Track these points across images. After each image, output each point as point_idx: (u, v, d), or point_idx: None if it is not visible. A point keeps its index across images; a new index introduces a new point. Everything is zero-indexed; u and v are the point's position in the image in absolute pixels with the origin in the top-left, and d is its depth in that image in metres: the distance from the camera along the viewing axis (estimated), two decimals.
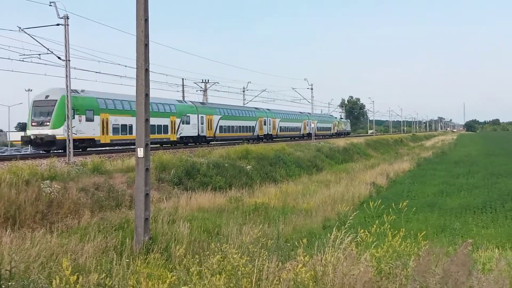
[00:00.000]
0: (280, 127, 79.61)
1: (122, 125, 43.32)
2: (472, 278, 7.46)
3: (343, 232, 9.74)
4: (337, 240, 9.52)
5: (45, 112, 37.70)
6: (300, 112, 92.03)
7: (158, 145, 48.69)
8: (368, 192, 30.25)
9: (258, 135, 70.62)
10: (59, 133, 36.74)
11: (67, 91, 30.10)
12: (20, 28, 30.27)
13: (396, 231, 10.02)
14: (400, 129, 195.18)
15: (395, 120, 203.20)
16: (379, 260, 8.95)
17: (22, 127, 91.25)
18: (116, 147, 44.47)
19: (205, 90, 71.30)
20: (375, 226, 10.42)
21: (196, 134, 55.28)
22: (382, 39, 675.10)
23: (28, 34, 30.38)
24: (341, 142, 69.54)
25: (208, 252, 10.31)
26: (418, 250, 9.39)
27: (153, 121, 45.97)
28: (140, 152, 14.66)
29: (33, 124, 37.80)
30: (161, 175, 27.57)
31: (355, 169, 44.33)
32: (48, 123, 37.19)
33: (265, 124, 73.56)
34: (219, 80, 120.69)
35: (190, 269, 9.01)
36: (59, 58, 30.61)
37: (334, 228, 10.21)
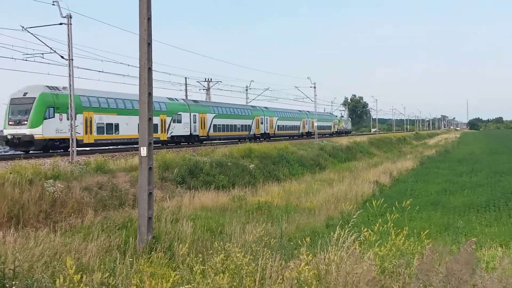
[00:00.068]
0: (278, 125, 78.26)
1: (107, 124, 41.84)
2: (475, 276, 7.46)
3: (346, 231, 9.73)
4: (341, 239, 9.52)
5: (23, 110, 36.17)
6: (299, 111, 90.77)
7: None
8: (371, 191, 30.20)
9: (254, 134, 69.24)
10: (38, 132, 35.47)
11: (70, 90, 30.04)
12: (23, 27, 30.28)
13: (400, 230, 10.02)
14: (403, 127, 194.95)
15: (398, 118, 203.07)
16: (382, 258, 8.96)
17: None
18: (101, 148, 42.16)
19: (208, 89, 71.32)
20: (378, 225, 10.41)
21: (188, 133, 53.87)
22: (384, 39, 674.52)
23: (31, 34, 30.39)
24: (344, 140, 69.46)
25: (211, 251, 10.31)
26: (421, 249, 9.39)
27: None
28: (143, 151, 14.66)
29: (10, 123, 36.31)
30: (164, 174, 27.57)
31: (358, 168, 44.27)
32: (25, 122, 35.68)
33: (262, 122, 72.21)
34: (222, 79, 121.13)
35: (194, 268, 9.02)
36: (62, 57, 30.62)
37: (337, 227, 10.21)
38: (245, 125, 67.23)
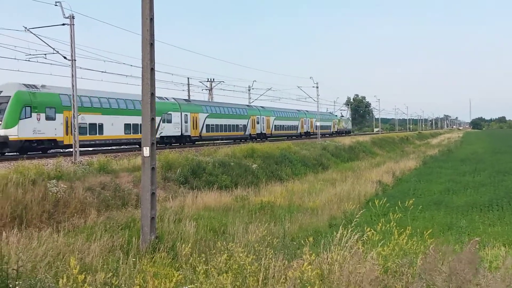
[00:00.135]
0: (275, 125, 76.18)
1: (90, 124, 39.35)
2: (479, 276, 7.45)
3: (349, 231, 9.73)
4: (343, 239, 9.51)
5: None
6: (297, 110, 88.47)
7: (137, 146, 43.48)
8: (374, 191, 30.20)
9: (250, 134, 67.12)
10: (13, 133, 33.40)
11: (73, 91, 30.09)
12: (26, 28, 30.31)
13: (402, 229, 10.02)
14: (406, 127, 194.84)
15: (401, 118, 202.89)
16: (385, 258, 8.95)
17: None
18: (83, 149, 38.00)
19: (210, 89, 71.31)
20: (381, 224, 10.42)
21: (179, 134, 51.66)
22: (386, 39, 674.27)
23: (34, 34, 30.41)
24: (346, 140, 69.41)
25: (214, 251, 10.31)
26: (424, 248, 9.38)
27: (127, 119, 43.08)
28: (146, 151, 14.67)
29: None
30: (167, 174, 27.59)
31: (361, 168, 44.26)
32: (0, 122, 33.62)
33: (258, 122, 70.02)
34: (225, 79, 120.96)
35: (197, 268, 9.02)
36: (64, 57, 30.65)
37: (340, 227, 10.21)
38: (240, 125, 65.18)
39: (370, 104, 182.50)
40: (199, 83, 71.41)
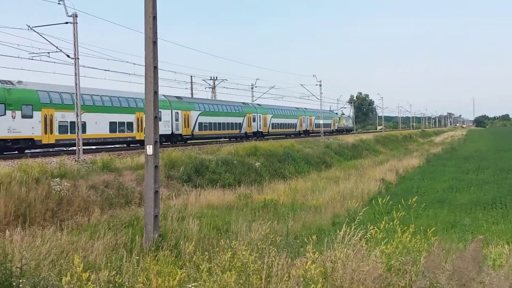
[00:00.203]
0: (272, 123, 73.91)
1: (72, 122, 35.90)
2: (482, 274, 7.44)
3: (352, 229, 9.73)
4: (347, 237, 9.51)
5: None
6: (296, 108, 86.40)
7: (125, 145, 44.05)
8: (377, 189, 30.15)
9: (246, 132, 64.84)
10: None
11: (76, 89, 30.11)
12: (29, 26, 30.34)
13: (406, 227, 10.01)
14: (409, 125, 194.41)
15: (404, 116, 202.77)
16: (388, 256, 8.95)
17: None
18: (64, 148, 37.13)
19: (213, 87, 71.29)
20: (384, 222, 10.40)
21: (170, 132, 49.25)
22: (388, 37, 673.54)
23: (37, 33, 30.44)
24: (350, 138, 69.36)
25: (217, 249, 10.32)
26: (428, 246, 9.37)
27: (112, 117, 41.25)
28: (149, 149, 14.68)
29: None
30: (170, 173, 27.61)
31: (364, 166, 44.20)
32: None
33: (254, 120, 67.78)
34: (228, 77, 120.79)
35: (200, 266, 9.03)
36: (68, 56, 30.67)
37: (343, 225, 10.20)
38: (235, 123, 62.88)
39: (373, 102, 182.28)
40: (202, 81, 71.45)
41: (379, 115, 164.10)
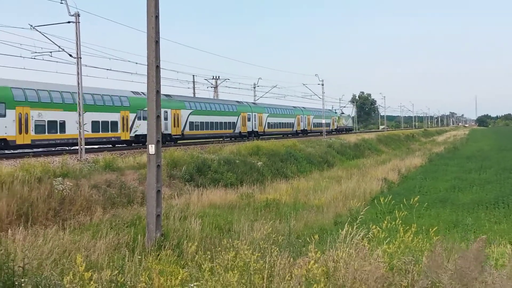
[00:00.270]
0: (268, 123, 71.48)
1: (50, 121, 34.98)
2: (484, 273, 7.43)
3: (354, 228, 9.72)
4: (349, 236, 9.50)
5: None
6: (294, 107, 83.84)
7: (110, 146, 41.65)
8: (380, 188, 30.17)
9: (240, 132, 62.73)
10: None
11: (79, 88, 30.12)
12: (31, 26, 30.38)
13: (408, 227, 10.00)
14: (412, 124, 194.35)
15: (407, 115, 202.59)
16: (391, 255, 8.94)
17: None
18: (39, 150, 34.81)
19: (216, 87, 71.25)
20: (386, 222, 10.39)
21: None
22: (390, 37, 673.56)
23: (40, 32, 30.48)
24: (352, 138, 69.30)
25: (219, 249, 10.32)
26: (430, 246, 9.36)
27: (95, 116, 38.47)
28: (152, 149, 14.69)
29: None
30: (173, 172, 27.63)
31: (366, 165, 44.18)
32: None
33: (249, 119, 65.55)
34: (230, 77, 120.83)
35: (202, 266, 9.03)
36: (70, 55, 30.72)
37: (345, 224, 10.19)
38: (229, 123, 60.49)
39: (375, 101, 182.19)
40: (205, 80, 71.33)
41: (381, 114, 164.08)
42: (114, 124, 41.15)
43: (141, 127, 43.42)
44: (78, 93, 30.19)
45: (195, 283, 8.59)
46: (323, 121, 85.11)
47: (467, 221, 19.27)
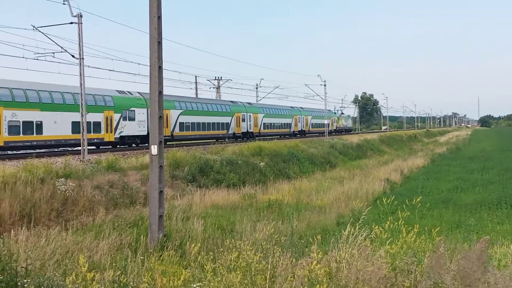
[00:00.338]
0: (264, 123, 69.41)
1: (25, 122, 32.94)
2: (487, 274, 7.42)
3: (357, 229, 9.71)
4: (351, 237, 9.49)
5: None
6: (291, 107, 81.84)
7: (94, 147, 39.26)
8: (382, 189, 30.16)
9: (234, 133, 60.62)
10: None
11: (81, 89, 30.14)
12: (34, 26, 30.41)
13: (410, 227, 9.99)
14: (414, 125, 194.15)
15: (409, 116, 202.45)
16: (393, 256, 8.93)
17: None
18: (13, 153, 33.88)
19: (218, 87, 71.25)
20: (389, 223, 10.38)
21: (145, 133, 43.32)
22: (392, 36, 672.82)
23: (42, 33, 30.50)
24: (354, 138, 69.27)
25: (222, 249, 10.32)
26: (432, 247, 9.35)
27: (76, 116, 34.59)
28: (154, 149, 14.70)
29: None
30: (175, 173, 27.66)
31: (369, 166, 44.18)
32: None
33: (244, 120, 63.41)
34: (232, 77, 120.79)
35: (205, 266, 9.03)
36: (73, 56, 30.75)
37: (348, 225, 10.19)
38: (222, 123, 58.18)
39: (378, 102, 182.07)
40: (207, 81, 71.32)
41: (384, 115, 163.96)
42: (97, 124, 38.78)
43: (127, 128, 42.23)
44: (81, 93, 30.18)
45: (198, 284, 8.59)
46: (322, 121, 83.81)
47: (470, 222, 19.22)
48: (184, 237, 14.85)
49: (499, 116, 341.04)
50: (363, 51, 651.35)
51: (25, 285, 8.52)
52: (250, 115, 65.57)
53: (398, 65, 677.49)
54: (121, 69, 55.35)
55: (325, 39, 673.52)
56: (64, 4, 28.62)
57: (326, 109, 79.01)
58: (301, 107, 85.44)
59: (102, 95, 40.49)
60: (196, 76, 68.55)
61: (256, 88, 78.59)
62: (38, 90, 34.50)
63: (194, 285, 8.59)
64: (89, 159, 27.59)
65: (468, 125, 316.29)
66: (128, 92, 44.59)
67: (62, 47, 31.38)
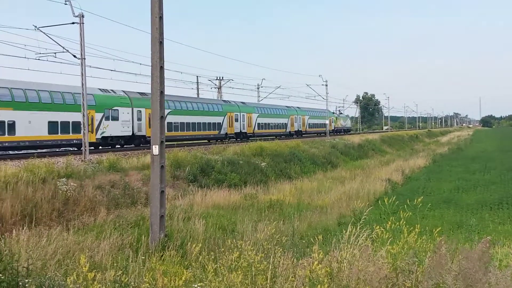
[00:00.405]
0: (259, 123, 67.17)
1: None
2: (489, 274, 7.42)
3: (358, 229, 9.71)
4: (353, 237, 9.49)
5: None
6: (287, 106, 79.32)
7: (73, 148, 36.62)
8: (384, 189, 30.15)
9: (226, 133, 58.31)
10: None
11: (83, 89, 30.15)
12: (36, 27, 30.43)
13: (412, 228, 9.98)
14: (416, 125, 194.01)
15: (411, 116, 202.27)
16: (394, 256, 8.92)
17: None
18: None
19: (219, 88, 71.26)
20: (390, 223, 10.38)
21: (130, 134, 42.38)
22: (394, 37, 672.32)
23: (44, 33, 30.53)
24: (356, 138, 69.24)
25: (223, 249, 10.32)
26: (433, 247, 9.34)
27: (53, 116, 34.50)
28: (155, 149, 14.69)
29: None
30: (176, 173, 27.66)
31: (370, 166, 44.19)
32: None
33: (237, 120, 61.17)
34: (234, 77, 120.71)
35: (206, 266, 9.03)
36: (74, 56, 30.76)
37: (349, 225, 10.18)
38: (214, 123, 55.88)
39: (379, 102, 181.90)
40: (208, 81, 71.30)
41: (385, 115, 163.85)
42: (76, 125, 35.40)
43: (110, 128, 40.14)
44: (83, 93, 30.18)
45: (199, 284, 8.59)
46: (320, 121, 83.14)
47: (471, 222, 19.22)
48: (185, 237, 14.84)
49: (501, 116, 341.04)
50: (362, 51, 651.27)
51: (27, 285, 8.52)
52: (243, 115, 63.42)
53: (395, 65, 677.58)
54: (123, 69, 55.52)
55: (326, 39, 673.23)
56: (65, 4, 28.66)
57: (327, 109, 78.75)
58: (298, 107, 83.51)
59: (81, 94, 38.56)
60: (197, 76, 68.59)
61: (258, 88, 78.57)
62: (11, 88, 32.65)
63: (195, 285, 8.58)
64: (91, 159, 27.61)
65: (470, 125, 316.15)
66: (112, 90, 42.60)
67: (63, 47, 31.42)
